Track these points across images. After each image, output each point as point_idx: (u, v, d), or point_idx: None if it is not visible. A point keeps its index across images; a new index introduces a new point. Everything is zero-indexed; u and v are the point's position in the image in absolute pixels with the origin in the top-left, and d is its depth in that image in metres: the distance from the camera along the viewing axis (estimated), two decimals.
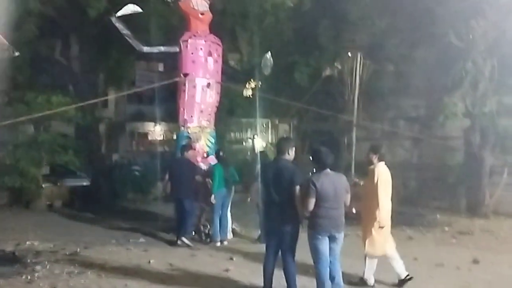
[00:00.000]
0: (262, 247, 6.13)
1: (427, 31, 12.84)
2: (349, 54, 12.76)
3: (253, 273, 6.66)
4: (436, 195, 14.38)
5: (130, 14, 9.68)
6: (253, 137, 18.96)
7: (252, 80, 15.31)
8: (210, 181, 8.98)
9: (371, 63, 12.66)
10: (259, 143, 18.32)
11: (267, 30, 14.60)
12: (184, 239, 8.75)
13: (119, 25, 9.63)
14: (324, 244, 5.38)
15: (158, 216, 11.54)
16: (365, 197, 6.48)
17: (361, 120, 12.86)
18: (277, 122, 20.74)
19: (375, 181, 6.22)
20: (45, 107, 12.43)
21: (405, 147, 16.58)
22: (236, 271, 7.14)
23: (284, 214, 5.48)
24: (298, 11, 14.44)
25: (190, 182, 8.82)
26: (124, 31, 9.73)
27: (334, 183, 5.40)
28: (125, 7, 9.52)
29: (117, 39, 10.60)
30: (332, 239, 5.44)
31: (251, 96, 16.27)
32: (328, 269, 5.44)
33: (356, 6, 13.55)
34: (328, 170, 5.46)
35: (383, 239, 6.39)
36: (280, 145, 5.93)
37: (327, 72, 13.20)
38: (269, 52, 11.01)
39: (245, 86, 15.43)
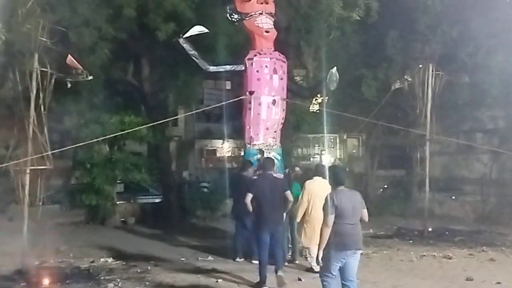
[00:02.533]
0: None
1: (503, 38, 12.14)
2: (420, 65, 12.29)
3: None
4: None
5: (197, 35, 9.86)
6: (321, 153, 18.70)
7: (318, 95, 15.13)
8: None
9: (444, 74, 12.10)
10: (328, 159, 18.02)
11: (333, 44, 14.40)
12: None
13: (186, 46, 9.80)
14: (338, 261, 5.40)
15: (226, 233, 11.55)
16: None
17: (434, 134, 12.32)
18: (345, 137, 20.37)
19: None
20: (118, 127, 12.92)
21: (483, 161, 15.68)
22: None
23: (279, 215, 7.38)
24: (364, 24, 14.16)
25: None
26: (191, 51, 9.88)
27: (351, 200, 5.49)
28: (192, 29, 9.69)
29: (185, 59, 10.81)
30: (350, 255, 5.41)
31: (317, 112, 16.08)
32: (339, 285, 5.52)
33: (425, 15, 13.06)
34: (343, 187, 5.59)
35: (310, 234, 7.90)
36: (265, 164, 7.94)
37: (397, 84, 12.72)
38: (335, 67, 10.80)
39: (311, 101, 15.28)
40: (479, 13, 12.24)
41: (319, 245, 5.48)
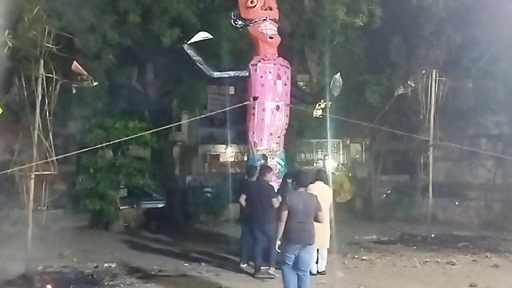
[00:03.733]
0: None
1: (507, 44, 12.13)
2: (423, 71, 12.30)
3: None
4: None
5: (201, 41, 9.91)
6: (324, 158, 18.69)
7: (322, 101, 15.14)
8: None
9: (447, 79, 12.11)
10: (331, 164, 18.02)
11: (337, 50, 14.43)
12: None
13: (191, 52, 9.86)
14: (291, 253, 6.18)
15: (230, 239, 11.56)
16: None
17: (438, 139, 12.31)
18: (348, 142, 20.37)
19: None
20: (122, 132, 12.96)
21: (487, 167, 15.64)
22: None
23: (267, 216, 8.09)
24: (368, 29, 14.18)
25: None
26: (196, 57, 9.94)
27: (304, 201, 6.26)
28: (197, 35, 9.75)
29: (189, 65, 10.86)
30: (302, 249, 6.18)
31: (321, 117, 16.09)
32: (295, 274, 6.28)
33: (429, 21, 13.06)
34: (303, 189, 6.44)
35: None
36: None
37: (400, 90, 12.74)
38: (339, 73, 10.83)
39: (315, 107, 15.30)
40: (483, 19, 12.24)
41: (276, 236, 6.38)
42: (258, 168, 9.01)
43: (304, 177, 6.64)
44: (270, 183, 8.90)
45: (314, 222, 6.35)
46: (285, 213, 6.15)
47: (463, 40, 12.87)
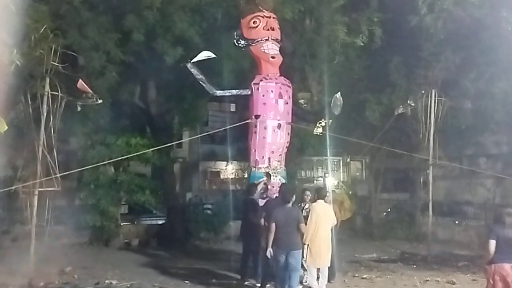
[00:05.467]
0: None
1: (505, 64, 12.29)
2: (423, 91, 12.46)
3: None
4: None
5: (204, 59, 10.05)
6: (325, 176, 18.73)
7: (322, 119, 15.27)
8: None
9: (447, 99, 12.26)
10: (331, 181, 18.07)
11: (337, 69, 14.60)
12: None
13: (194, 71, 9.97)
14: (281, 257, 7.36)
15: (230, 256, 11.57)
16: None
17: (437, 158, 12.41)
18: (348, 160, 20.42)
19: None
20: (124, 149, 13.05)
21: (486, 186, 15.70)
22: None
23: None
24: (368, 49, 14.37)
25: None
26: (199, 76, 10.06)
27: (286, 215, 7.43)
28: (200, 54, 9.87)
29: (191, 82, 11.00)
30: (289, 255, 7.32)
31: (321, 135, 16.21)
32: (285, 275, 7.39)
33: (428, 41, 13.25)
34: (289, 205, 7.57)
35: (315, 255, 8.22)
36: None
37: (400, 109, 12.88)
38: (339, 92, 10.97)
39: (316, 125, 15.42)
40: (482, 40, 12.42)
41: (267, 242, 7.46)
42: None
43: (288, 194, 7.73)
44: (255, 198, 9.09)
45: (317, 241, 7.42)
46: (273, 225, 7.37)
47: (462, 61, 13.02)
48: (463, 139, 15.17)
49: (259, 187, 9.26)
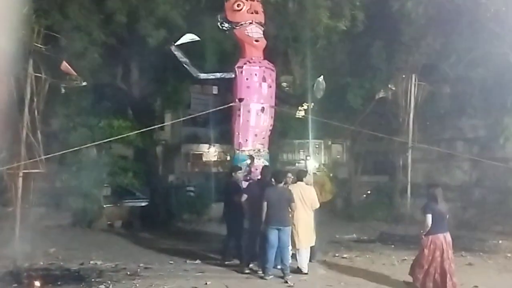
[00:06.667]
0: None
1: (484, 50, 12.55)
2: (403, 75, 12.67)
3: None
4: (498, 219, 13.81)
5: (188, 42, 10.05)
6: (306, 158, 18.95)
7: (305, 102, 15.41)
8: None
9: (426, 84, 12.50)
10: (312, 164, 18.30)
11: (320, 53, 14.69)
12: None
13: (178, 54, 9.98)
14: (273, 234, 8.05)
15: (213, 237, 11.74)
16: None
17: (416, 141, 12.68)
18: (330, 143, 20.66)
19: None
20: (107, 131, 13.05)
21: (463, 169, 16.10)
22: None
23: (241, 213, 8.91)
24: (350, 33, 14.47)
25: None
26: (182, 59, 10.07)
27: (278, 194, 8.20)
28: (184, 36, 9.89)
29: (174, 65, 11.02)
30: (280, 231, 8.07)
31: (303, 118, 16.36)
32: (274, 252, 8.10)
33: (409, 27, 13.41)
34: (281, 184, 8.36)
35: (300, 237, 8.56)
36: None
37: (381, 93, 13.10)
38: (322, 76, 11.10)
39: (298, 108, 15.56)
40: (461, 26, 12.62)
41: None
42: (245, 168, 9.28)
43: (280, 175, 8.57)
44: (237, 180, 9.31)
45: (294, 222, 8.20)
46: (265, 204, 8.05)
47: (441, 46, 13.25)
48: (441, 123, 15.48)
49: (240, 176, 9.35)
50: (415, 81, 12.47)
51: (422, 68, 12.86)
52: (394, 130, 13.71)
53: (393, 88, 12.84)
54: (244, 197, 8.69)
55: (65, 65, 8.60)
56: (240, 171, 9.35)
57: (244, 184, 9.25)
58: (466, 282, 7.91)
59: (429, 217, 7.21)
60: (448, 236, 7.38)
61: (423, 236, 7.32)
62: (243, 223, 9.04)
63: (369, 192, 18.07)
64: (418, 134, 12.79)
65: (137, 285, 7.66)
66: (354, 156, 18.30)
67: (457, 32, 12.70)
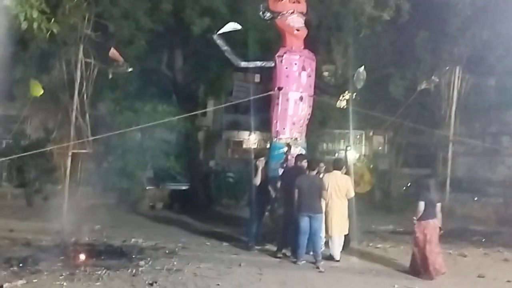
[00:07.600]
0: None
1: None
2: (447, 67, 12.46)
3: None
4: None
5: (230, 31, 10.26)
6: (346, 149, 18.91)
7: (346, 92, 15.39)
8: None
9: (470, 76, 12.25)
10: (353, 155, 18.27)
11: (363, 43, 14.61)
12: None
13: (220, 42, 10.18)
14: (304, 221, 8.18)
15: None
16: None
17: (458, 135, 12.49)
18: (371, 134, 20.55)
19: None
20: (151, 115, 13.49)
21: (507, 164, 15.72)
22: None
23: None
24: (395, 23, 14.30)
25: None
26: (224, 47, 10.26)
27: (309, 182, 8.30)
28: (226, 25, 10.07)
29: (217, 53, 11.26)
30: (312, 218, 8.19)
31: (344, 108, 16.34)
32: (306, 238, 8.23)
33: (456, 17, 13.14)
34: (312, 173, 8.45)
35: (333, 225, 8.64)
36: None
37: (423, 85, 12.92)
38: (363, 66, 11.08)
39: (338, 98, 15.55)
40: (509, 17, 12.28)
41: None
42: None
43: (313, 163, 8.67)
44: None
45: (328, 210, 8.35)
46: (296, 191, 8.21)
47: (488, 37, 12.93)
48: (486, 116, 15.15)
49: (259, 164, 9.49)
50: (459, 73, 12.25)
51: (467, 60, 12.60)
52: (436, 123, 13.54)
53: (437, 80, 12.63)
54: (257, 182, 9.18)
55: (113, 52, 8.99)
56: (260, 159, 9.53)
57: (280, 171, 9.45)
58: (500, 277, 7.86)
59: (421, 204, 7.82)
60: (435, 222, 7.89)
61: (415, 222, 7.89)
62: (265, 208, 9.41)
63: (409, 184, 17.90)
64: (460, 127, 12.60)
65: (175, 263, 8.00)
66: (395, 148, 18.14)
67: (505, 23, 12.35)
